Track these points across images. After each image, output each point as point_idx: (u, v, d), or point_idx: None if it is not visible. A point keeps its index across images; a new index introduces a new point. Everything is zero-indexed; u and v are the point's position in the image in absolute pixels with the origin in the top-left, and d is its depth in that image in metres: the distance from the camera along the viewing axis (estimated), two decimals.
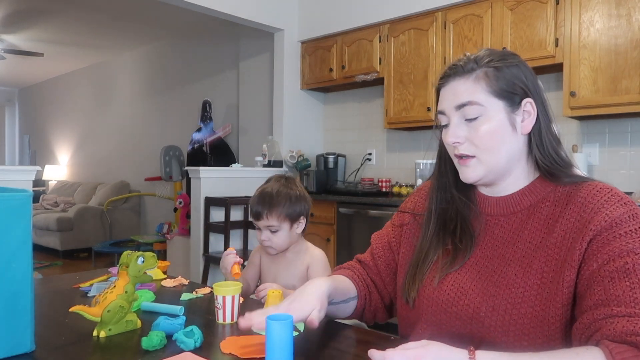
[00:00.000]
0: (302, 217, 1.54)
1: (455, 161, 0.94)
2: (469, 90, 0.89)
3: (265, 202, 1.50)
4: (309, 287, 0.93)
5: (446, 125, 0.93)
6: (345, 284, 1.04)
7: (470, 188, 0.99)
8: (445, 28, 3.19)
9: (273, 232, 1.51)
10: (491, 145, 0.88)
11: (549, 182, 0.91)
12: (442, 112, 0.92)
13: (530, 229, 0.89)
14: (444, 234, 0.97)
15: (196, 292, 1.36)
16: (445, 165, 0.99)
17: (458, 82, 0.90)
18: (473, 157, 0.89)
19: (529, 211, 0.91)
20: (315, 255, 1.56)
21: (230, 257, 1.45)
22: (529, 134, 0.90)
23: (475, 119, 0.88)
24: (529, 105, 0.89)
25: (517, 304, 0.84)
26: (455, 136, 0.89)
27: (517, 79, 0.89)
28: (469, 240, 0.94)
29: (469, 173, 0.91)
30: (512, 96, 0.88)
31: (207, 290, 1.40)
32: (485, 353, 0.69)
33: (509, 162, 0.90)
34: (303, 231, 1.59)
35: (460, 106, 0.89)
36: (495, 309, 0.85)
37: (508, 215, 0.93)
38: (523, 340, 0.82)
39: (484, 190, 0.97)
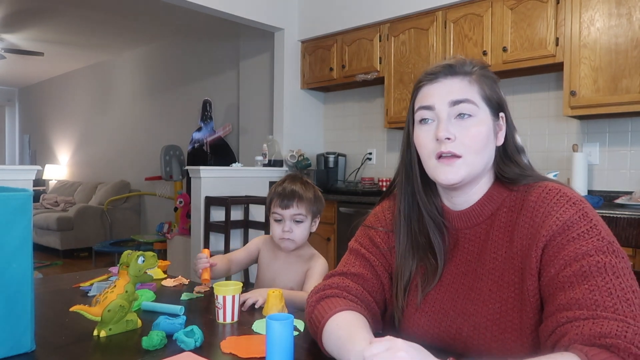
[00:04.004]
0: (318, 216, 1.58)
1: (432, 163, 0.89)
2: (465, 89, 0.89)
3: (295, 192, 1.52)
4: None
5: (426, 121, 0.90)
6: (366, 324, 0.88)
7: (436, 201, 0.96)
8: (445, 27, 3.18)
9: (297, 222, 1.52)
10: (479, 147, 0.87)
11: (504, 188, 0.91)
12: (428, 108, 0.89)
13: (493, 239, 0.89)
14: (417, 250, 0.95)
15: (196, 292, 1.37)
16: (415, 170, 0.95)
17: (453, 81, 0.89)
18: (460, 157, 0.86)
19: (490, 220, 0.91)
20: (317, 261, 1.55)
21: (201, 263, 1.45)
22: (497, 147, 0.92)
23: (468, 118, 0.87)
24: (501, 119, 0.92)
25: (497, 319, 0.84)
26: (448, 132, 0.86)
27: (497, 90, 0.93)
28: (440, 256, 0.93)
29: (452, 173, 0.87)
30: (495, 106, 0.91)
31: (205, 286, 1.41)
32: None
33: (485, 168, 0.90)
34: (311, 234, 1.60)
35: (457, 102, 0.87)
36: (476, 327, 0.86)
37: (472, 228, 0.92)
38: (506, 355, 0.82)
39: (448, 204, 0.96)
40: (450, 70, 0.90)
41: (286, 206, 1.52)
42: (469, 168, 0.87)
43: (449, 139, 0.86)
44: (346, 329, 0.84)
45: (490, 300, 0.86)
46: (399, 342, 0.66)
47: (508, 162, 0.92)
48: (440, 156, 0.88)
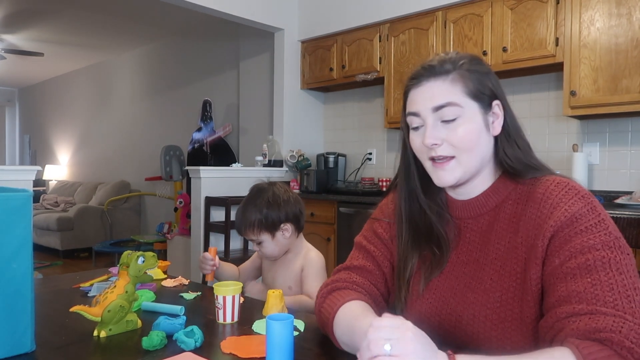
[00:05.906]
0: (282, 224, 1.49)
1: (429, 165, 0.91)
2: (446, 91, 0.88)
3: (238, 219, 1.53)
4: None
5: (417, 128, 0.91)
6: (371, 311, 0.91)
7: (439, 192, 0.97)
8: (445, 27, 3.18)
9: (257, 244, 1.52)
10: (469, 145, 0.87)
11: (511, 181, 0.91)
12: (415, 114, 0.91)
13: (498, 230, 0.89)
14: (418, 241, 0.96)
15: (194, 292, 1.36)
16: (412, 170, 0.97)
17: (434, 83, 0.89)
18: (452, 157, 0.88)
19: (495, 211, 0.91)
20: (310, 258, 1.54)
21: (206, 269, 1.53)
22: (496, 136, 0.91)
23: (454, 120, 0.87)
24: (497, 107, 0.91)
25: (496, 308, 0.84)
26: (435, 138, 0.87)
27: (487, 81, 0.91)
28: (445, 246, 0.93)
29: (446, 176, 0.89)
30: (484, 97, 0.90)
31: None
32: (464, 357, 0.68)
33: (482, 162, 0.90)
34: (299, 232, 1.56)
35: (439, 108, 0.87)
36: (476, 316, 0.86)
37: (476, 218, 0.93)
38: (506, 345, 0.82)
39: (452, 194, 0.96)
40: (431, 71, 0.90)
41: (238, 233, 1.55)
42: (463, 168, 0.88)
43: (436, 144, 0.87)
44: (356, 316, 0.86)
45: (491, 289, 0.86)
46: (409, 323, 0.66)
47: (511, 152, 0.90)
48: (433, 159, 0.89)
